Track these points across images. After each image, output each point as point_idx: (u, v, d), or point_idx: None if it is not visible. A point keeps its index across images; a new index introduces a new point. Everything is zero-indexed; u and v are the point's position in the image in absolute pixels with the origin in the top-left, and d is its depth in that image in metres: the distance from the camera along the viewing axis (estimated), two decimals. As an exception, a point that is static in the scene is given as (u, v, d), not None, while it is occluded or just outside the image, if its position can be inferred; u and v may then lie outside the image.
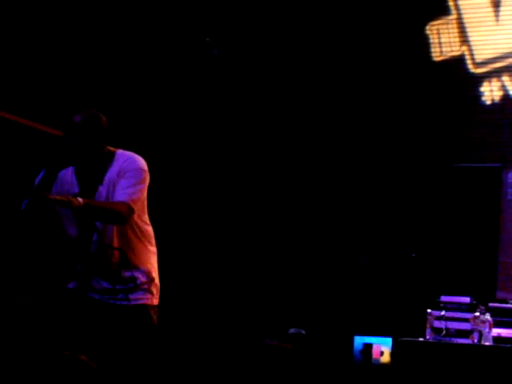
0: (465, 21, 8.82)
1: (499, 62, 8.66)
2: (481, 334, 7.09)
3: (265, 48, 9.02)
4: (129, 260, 4.18)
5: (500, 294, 8.10)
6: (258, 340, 7.85)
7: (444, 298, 7.46)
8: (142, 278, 4.22)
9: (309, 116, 9.00)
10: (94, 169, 4.15)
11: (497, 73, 8.66)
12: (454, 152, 8.68)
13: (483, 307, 7.30)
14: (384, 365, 7.89)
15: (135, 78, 8.01)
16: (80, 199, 3.95)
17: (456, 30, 8.84)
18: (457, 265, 8.29)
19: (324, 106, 8.99)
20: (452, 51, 8.85)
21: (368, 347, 7.99)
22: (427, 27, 8.92)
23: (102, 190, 4.12)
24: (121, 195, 4.06)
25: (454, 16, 8.86)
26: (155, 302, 4.30)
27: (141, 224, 4.24)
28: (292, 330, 8.09)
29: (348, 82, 8.97)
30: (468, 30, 8.81)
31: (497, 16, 8.69)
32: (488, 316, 7.15)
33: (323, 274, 8.67)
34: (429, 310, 7.32)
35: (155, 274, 4.31)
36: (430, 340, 7.21)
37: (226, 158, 7.26)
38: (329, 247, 8.73)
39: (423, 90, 8.84)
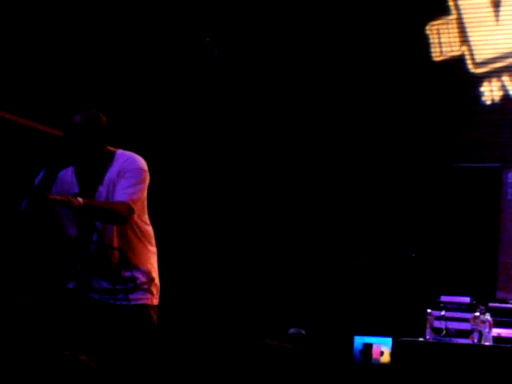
0: (465, 21, 8.82)
1: (499, 62, 8.65)
2: (481, 334, 7.09)
3: (265, 49, 9.02)
4: (129, 260, 4.18)
5: (500, 294, 8.10)
6: (258, 340, 7.84)
7: (444, 298, 7.45)
8: (142, 278, 4.22)
9: (308, 117, 9.00)
10: (94, 169, 4.14)
11: (497, 73, 8.66)
12: (454, 152, 8.68)
13: (483, 307, 7.30)
14: (384, 365, 7.89)
15: (135, 78, 8.01)
16: (80, 199, 3.95)
17: (456, 30, 8.84)
18: (457, 265, 8.29)
19: (324, 106, 8.99)
20: (452, 51, 8.85)
21: (368, 347, 7.98)
22: (427, 27, 8.92)
23: (102, 190, 4.11)
24: (121, 195, 4.06)
25: (454, 16, 8.85)
26: (155, 302, 4.30)
27: (141, 224, 4.24)
28: (292, 330, 8.08)
29: (348, 82, 8.97)
30: (468, 30, 8.81)
31: (497, 16, 8.68)
32: (488, 316, 7.15)
33: (323, 273, 8.67)
34: (429, 310, 7.32)
35: (155, 274, 4.30)
36: (430, 340, 7.21)
37: (225, 158, 7.26)
38: (329, 247, 8.72)
39: (423, 90, 8.84)
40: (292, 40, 9.04)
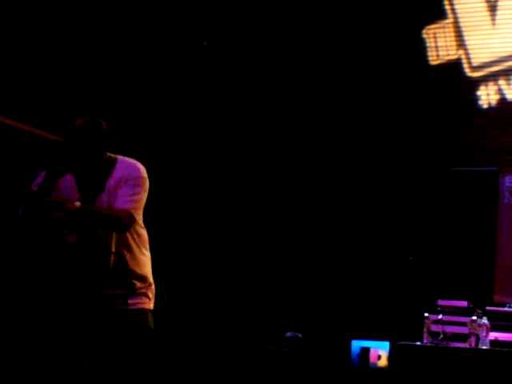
0: (461, 25, 8.84)
1: (496, 65, 8.68)
2: (478, 338, 7.10)
3: (262, 53, 9.03)
4: (127, 265, 4.18)
5: (497, 298, 8.11)
6: (255, 344, 7.84)
7: (441, 302, 7.47)
8: (139, 283, 4.22)
9: (306, 121, 9.01)
10: (95, 176, 4.14)
11: (493, 77, 8.68)
12: (451, 156, 8.69)
13: (480, 311, 7.31)
14: (381, 369, 7.89)
15: (133, 83, 8.01)
16: (77, 203, 3.94)
17: (453, 34, 8.86)
18: (454, 269, 8.30)
19: (321, 110, 9.00)
20: (449, 55, 8.87)
21: (365, 351, 7.99)
22: (424, 31, 8.94)
23: (104, 197, 4.11)
24: (122, 203, 4.05)
25: (450, 20, 8.87)
26: (152, 306, 4.31)
27: (137, 228, 4.24)
28: (288, 334, 8.09)
29: (345, 86, 8.98)
30: (465, 33, 8.83)
31: (493, 20, 8.71)
32: (485, 320, 7.16)
33: (320, 277, 8.67)
34: (426, 314, 7.33)
35: (151, 279, 4.31)
36: (428, 344, 7.22)
37: (223, 162, 7.28)
38: (325, 251, 8.73)
39: (420, 93, 8.85)
40: (290, 43, 9.05)
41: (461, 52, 8.81)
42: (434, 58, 8.91)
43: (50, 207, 3.92)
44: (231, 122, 8.63)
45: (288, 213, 8.86)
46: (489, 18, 8.72)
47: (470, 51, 8.79)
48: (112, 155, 4.20)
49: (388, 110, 8.90)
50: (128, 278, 4.17)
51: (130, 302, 4.18)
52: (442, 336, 7.23)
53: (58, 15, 7.10)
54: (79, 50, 7.33)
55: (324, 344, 8.25)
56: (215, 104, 8.51)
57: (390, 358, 7.77)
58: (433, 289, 8.05)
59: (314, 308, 8.57)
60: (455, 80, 8.81)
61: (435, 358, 7.04)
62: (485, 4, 8.73)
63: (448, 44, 8.86)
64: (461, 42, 8.83)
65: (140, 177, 4.13)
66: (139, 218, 4.22)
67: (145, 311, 4.24)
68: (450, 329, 7.27)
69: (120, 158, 4.20)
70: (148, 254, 4.32)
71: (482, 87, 8.70)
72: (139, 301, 4.21)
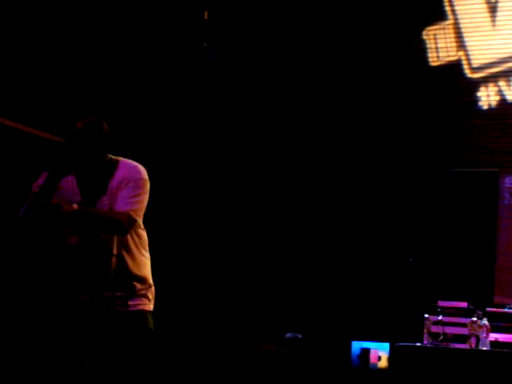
0: (461, 26, 8.85)
1: (496, 66, 8.68)
2: (478, 339, 7.10)
3: (262, 54, 9.03)
4: (128, 267, 4.18)
5: (497, 299, 8.11)
6: (256, 345, 7.84)
7: (441, 303, 7.47)
8: (139, 284, 4.22)
9: (306, 122, 9.01)
10: (97, 177, 4.13)
11: (493, 78, 8.68)
12: (451, 157, 8.70)
13: (480, 312, 7.31)
14: (381, 370, 7.89)
15: (134, 84, 8.01)
16: (74, 205, 3.94)
17: (453, 35, 8.86)
18: (454, 270, 8.31)
19: (322, 112, 9.00)
20: (449, 56, 8.87)
21: (365, 352, 7.99)
22: (424, 32, 8.94)
23: (105, 199, 4.10)
24: (123, 205, 4.04)
25: (450, 21, 8.88)
26: (152, 307, 4.31)
27: (137, 230, 4.24)
28: (288, 335, 8.09)
29: (346, 88, 8.99)
30: (465, 35, 8.83)
31: (493, 21, 8.71)
32: (485, 321, 7.15)
33: (320, 278, 8.67)
34: (426, 315, 7.33)
35: (151, 280, 4.32)
36: (428, 345, 7.21)
37: (223, 164, 7.28)
38: (326, 252, 8.73)
39: (420, 95, 8.86)
40: (290, 45, 9.05)
41: (461, 53, 8.82)
42: (434, 59, 8.91)
43: (47, 209, 3.91)
44: (231, 123, 8.64)
45: (288, 214, 8.86)
46: (489, 19, 8.73)
47: (470, 52, 8.79)
48: (113, 157, 4.19)
49: (388, 112, 8.91)
50: (128, 279, 4.18)
51: (130, 303, 4.18)
52: (442, 337, 7.22)
53: (58, 16, 7.11)
54: (80, 51, 7.34)
55: (324, 345, 8.26)
56: (215, 105, 8.51)
57: (390, 359, 7.77)
58: (433, 290, 8.05)
59: (314, 309, 8.57)
60: (455, 81, 8.81)
61: (435, 359, 7.04)
62: (485, 5, 8.73)
63: (448, 45, 8.86)
64: (461, 43, 8.83)
65: (141, 179, 4.13)
66: (140, 219, 4.22)
67: (145, 312, 4.24)
68: (450, 330, 7.27)
69: (121, 159, 4.20)
70: (148, 255, 4.32)
71: (482, 88, 8.71)
72: (139, 302, 4.22)
